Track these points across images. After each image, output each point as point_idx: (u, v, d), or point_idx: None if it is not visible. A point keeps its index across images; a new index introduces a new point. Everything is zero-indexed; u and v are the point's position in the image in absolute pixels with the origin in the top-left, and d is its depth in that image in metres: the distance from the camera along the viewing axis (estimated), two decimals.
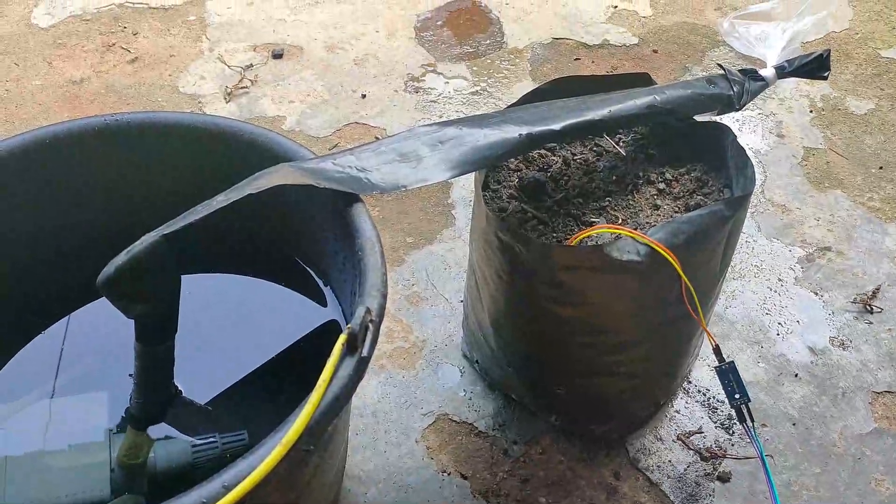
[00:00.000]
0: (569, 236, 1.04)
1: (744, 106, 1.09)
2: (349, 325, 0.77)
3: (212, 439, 0.94)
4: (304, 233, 1.04)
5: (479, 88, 1.78)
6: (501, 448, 1.16)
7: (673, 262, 0.92)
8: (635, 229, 1.01)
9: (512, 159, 1.13)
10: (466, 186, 1.56)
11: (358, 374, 0.76)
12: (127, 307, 0.86)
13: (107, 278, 0.81)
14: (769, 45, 1.13)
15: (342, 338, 0.76)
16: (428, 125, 0.97)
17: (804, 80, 1.17)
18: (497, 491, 1.11)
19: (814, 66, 1.12)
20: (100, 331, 1.03)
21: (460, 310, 1.33)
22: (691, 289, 0.96)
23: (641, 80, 1.13)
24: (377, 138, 1.65)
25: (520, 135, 0.97)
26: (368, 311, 0.78)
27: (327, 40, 1.90)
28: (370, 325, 0.77)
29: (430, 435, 1.17)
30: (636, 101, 1.04)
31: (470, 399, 1.22)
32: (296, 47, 1.88)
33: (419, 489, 1.11)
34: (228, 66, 1.82)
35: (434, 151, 0.95)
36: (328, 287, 1.05)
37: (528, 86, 1.78)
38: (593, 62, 1.86)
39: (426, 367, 1.26)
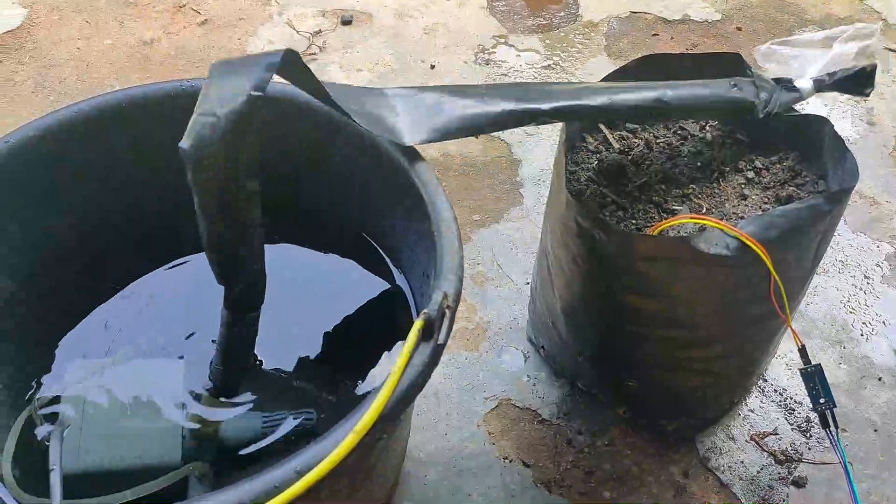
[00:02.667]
0: (649, 224, 1.00)
1: (768, 116, 1.00)
2: (425, 311, 0.74)
3: (282, 416, 0.93)
4: (373, 207, 1.01)
5: (551, 62, 1.72)
6: (566, 438, 1.12)
7: (764, 259, 0.87)
8: (721, 220, 0.96)
9: (592, 140, 1.08)
10: (535, 164, 1.51)
11: (433, 361, 0.73)
12: (223, 267, 0.83)
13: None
14: (809, 60, 1.03)
15: (418, 323, 0.73)
16: (407, 87, 0.93)
17: None
18: (560, 481, 1.08)
19: (856, 81, 1.02)
20: (181, 295, 1.02)
21: (526, 292, 1.29)
22: (781, 287, 0.90)
23: (732, 62, 1.07)
24: None
25: (503, 110, 0.91)
26: (446, 296, 0.75)
27: (397, 7, 1.86)
28: (447, 311, 0.75)
29: (493, 420, 1.15)
30: (643, 94, 0.95)
31: (534, 385, 1.18)
32: (365, 14, 1.85)
33: (480, 475, 1.08)
34: (297, 32, 1.79)
35: (409, 112, 0.90)
36: (395, 265, 1.02)
37: (602, 61, 1.72)
38: (672, 38, 1.78)
39: (490, 349, 1.23)
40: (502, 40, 1.78)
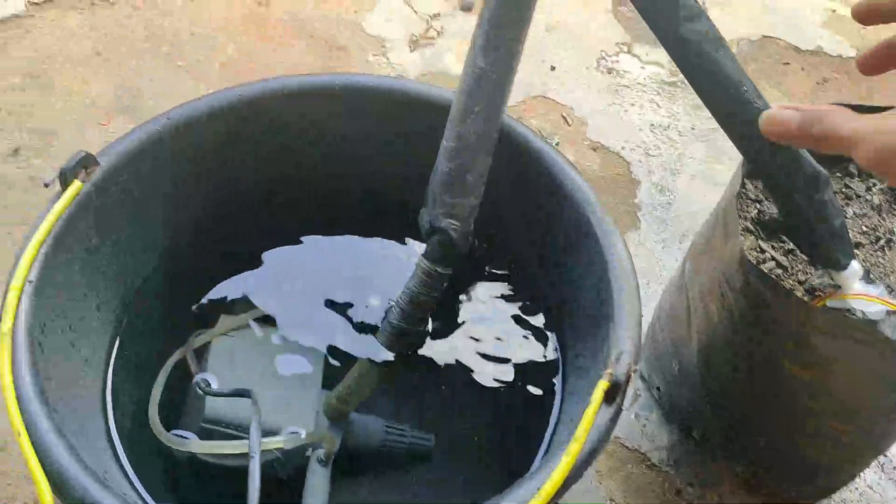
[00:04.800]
0: (807, 282, 0.95)
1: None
2: (609, 372, 0.70)
3: (403, 430, 0.91)
4: (534, 241, 0.96)
5: (676, 79, 1.65)
6: (675, 487, 1.09)
7: None
8: (891, 292, 0.91)
9: (752, 187, 1.02)
10: (655, 187, 1.46)
11: (612, 426, 0.69)
12: (453, 177, 0.82)
13: None
14: None
15: (603, 385, 0.69)
16: None
17: None
18: None
19: None
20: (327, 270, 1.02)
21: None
22: None
23: None
24: (563, 118, 1.56)
25: None
26: (631, 357, 0.71)
27: None
28: (632, 374, 0.71)
29: (600, 457, 1.11)
30: None
31: (644, 426, 1.15)
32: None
33: None
34: (415, 12, 1.73)
35: None
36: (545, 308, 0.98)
37: None
38: (803, 69, 1.70)
39: None
40: (626, 48, 1.71)
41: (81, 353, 0.80)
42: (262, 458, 0.83)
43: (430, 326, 0.93)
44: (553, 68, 1.65)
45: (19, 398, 0.65)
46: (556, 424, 0.87)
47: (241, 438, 0.84)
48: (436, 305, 0.91)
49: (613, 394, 0.69)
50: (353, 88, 0.92)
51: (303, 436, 0.84)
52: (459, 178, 0.84)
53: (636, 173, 1.48)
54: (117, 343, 0.88)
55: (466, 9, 1.75)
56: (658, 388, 1.16)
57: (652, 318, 1.18)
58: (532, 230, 0.94)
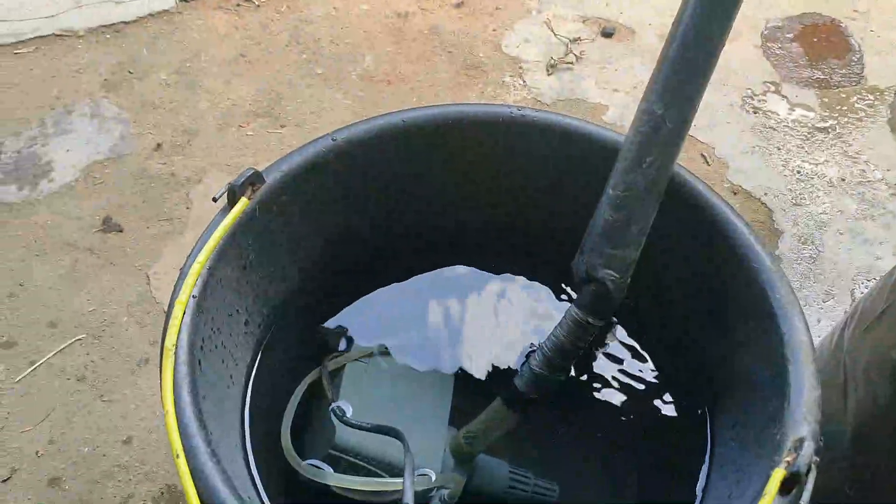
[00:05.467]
0: None
1: None
2: (787, 460, 0.65)
3: (527, 477, 0.88)
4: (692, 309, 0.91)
5: (826, 125, 1.56)
6: None
7: None
8: None
9: None
10: (800, 234, 1.37)
11: None
12: (612, 230, 0.79)
13: None
14: None
15: (779, 474, 0.64)
16: None
17: None
18: None
19: None
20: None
21: None
22: None
23: None
24: (703, 156, 1.50)
25: None
26: (819, 446, 0.65)
27: (661, 27, 1.74)
28: (813, 465, 0.65)
29: None
30: None
31: None
32: (627, 29, 1.73)
33: None
34: (555, 35, 1.70)
35: None
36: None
37: (884, 135, 1.54)
38: None
39: None
40: (773, 88, 1.63)
41: (228, 368, 0.80)
42: (389, 497, 0.81)
43: (569, 376, 0.90)
44: None
45: (179, 417, 0.64)
46: (704, 495, 0.82)
47: (367, 468, 0.82)
48: (576, 354, 0.87)
49: (791, 485, 0.64)
50: (524, 121, 0.90)
51: (433, 479, 0.82)
52: (623, 228, 0.80)
53: (779, 223, 1.40)
54: (258, 360, 0.87)
55: (608, 35, 1.71)
56: None
57: None
58: (695, 290, 0.89)
